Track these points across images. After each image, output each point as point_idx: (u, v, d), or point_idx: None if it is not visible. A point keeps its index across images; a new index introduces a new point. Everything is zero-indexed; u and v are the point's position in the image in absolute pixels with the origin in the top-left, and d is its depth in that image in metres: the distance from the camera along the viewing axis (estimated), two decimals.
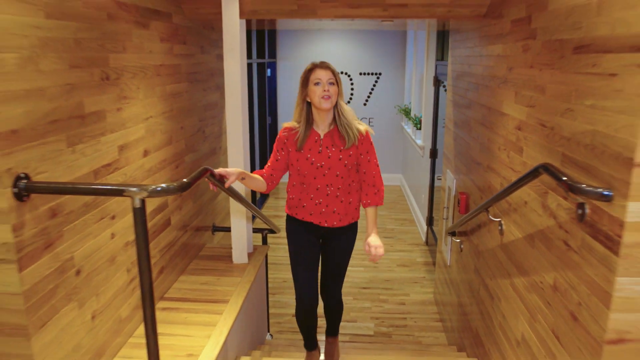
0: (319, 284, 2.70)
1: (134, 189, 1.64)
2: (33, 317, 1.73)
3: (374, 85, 8.51)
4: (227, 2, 3.02)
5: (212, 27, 3.91)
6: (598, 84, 1.54)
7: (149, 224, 2.76)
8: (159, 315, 2.75)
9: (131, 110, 2.50)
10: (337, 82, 2.36)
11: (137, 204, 1.64)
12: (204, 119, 3.79)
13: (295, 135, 2.45)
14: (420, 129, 6.63)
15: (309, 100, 2.39)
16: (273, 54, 8.27)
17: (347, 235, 2.59)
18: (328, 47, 8.33)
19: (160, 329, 2.18)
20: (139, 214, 1.65)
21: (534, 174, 1.87)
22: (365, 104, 8.58)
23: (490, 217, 2.63)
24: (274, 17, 3.14)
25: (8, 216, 1.61)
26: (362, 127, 2.46)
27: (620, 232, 1.39)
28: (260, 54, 7.39)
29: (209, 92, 3.88)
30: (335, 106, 2.40)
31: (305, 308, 2.62)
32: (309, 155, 2.43)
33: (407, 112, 7.93)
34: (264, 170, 2.53)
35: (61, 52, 1.86)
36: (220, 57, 4.13)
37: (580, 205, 1.59)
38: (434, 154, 5.79)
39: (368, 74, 8.47)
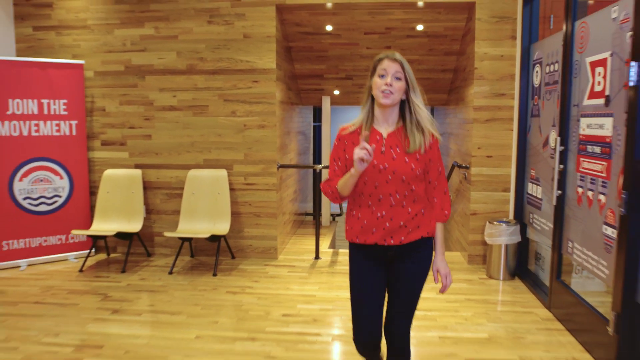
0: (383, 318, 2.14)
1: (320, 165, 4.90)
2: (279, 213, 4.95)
3: None
4: (325, 99, 6.41)
5: (313, 107, 7.32)
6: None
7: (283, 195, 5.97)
8: (296, 240, 5.89)
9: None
10: (405, 78, 1.99)
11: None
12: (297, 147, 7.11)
13: (355, 135, 2.07)
14: None
15: (372, 94, 2.03)
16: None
17: (419, 255, 2.07)
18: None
19: (302, 244, 5.36)
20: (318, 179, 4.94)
21: (454, 165, 5.12)
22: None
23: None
24: (347, 104, 6.49)
25: (276, 186, 4.86)
26: (434, 131, 2.07)
27: (471, 178, 4.61)
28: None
29: (303, 135, 7.22)
30: (405, 104, 2.04)
31: (366, 348, 2.14)
32: None
33: None
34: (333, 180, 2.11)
35: None
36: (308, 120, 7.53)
37: (465, 172, 4.83)
38: None
39: None
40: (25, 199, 4.67)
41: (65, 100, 4.79)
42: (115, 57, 4.89)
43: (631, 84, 2.48)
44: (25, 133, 4.64)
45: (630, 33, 2.52)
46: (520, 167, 4.37)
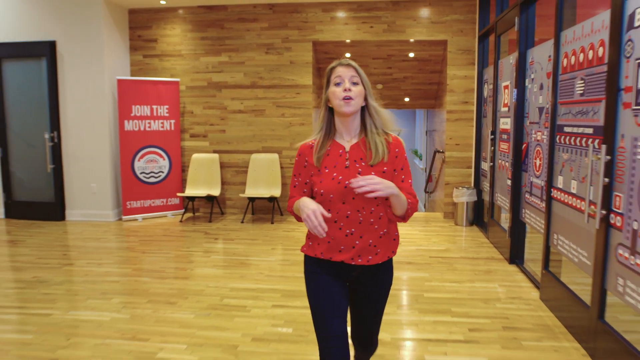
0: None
1: None
2: None
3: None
4: None
5: None
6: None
7: None
8: None
9: None
10: (362, 82, 1.85)
11: None
12: None
13: (314, 150, 1.90)
14: (421, 159, 12.02)
15: (330, 105, 1.88)
16: None
17: (383, 275, 1.94)
18: None
19: None
20: None
21: (436, 151, 7.24)
22: None
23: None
24: None
25: None
26: (393, 136, 1.90)
27: (445, 159, 6.74)
28: None
29: None
30: (364, 110, 1.88)
31: None
32: (334, 174, 1.84)
33: (416, 152, 13.36)
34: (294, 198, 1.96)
35: None
36: None
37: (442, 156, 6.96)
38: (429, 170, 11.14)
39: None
40: (141, 173, 6.89)
41: (167, 106, 7.00)
42: (200, 76, 7.08)
43: (513, 100, 4.62)
44: (142, 128, 6.86)
45: (515, 74, 4.65)
46: (477, 151, 6.49)
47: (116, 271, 4.58)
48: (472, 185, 6.65)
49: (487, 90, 6.08)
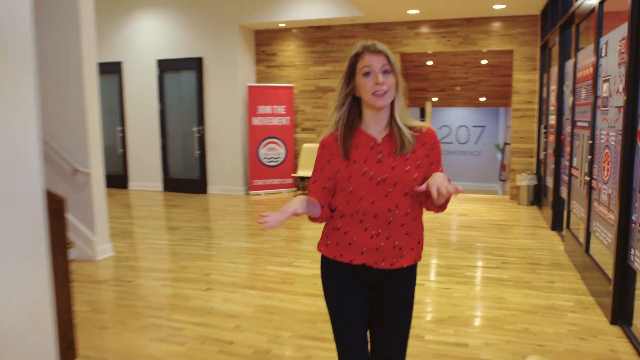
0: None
1: None
2: None
3: (481, 133, 15.13)
4: (427, 103, 10.02)
5: (420, 108, 10.92)
6: None
7: None
8: None
9: None
10: (393, 70, 1.66)
11: None
12: None
13: (339, 142, 1.71)
14: (502, 152, 13.13)
15: (358, 96, 1.69)
16: None
17: (406, 281, 1.77)
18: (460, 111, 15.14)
19: None
20: None
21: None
22: (475, 143, 15.19)
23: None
24: (440, 106, 10.04)
25: None
26: (422, 125, 1.74)
27: (512, 150, 8.05)
28: None
29: None
30: (394, 102, 1.69)
31: None
32: (365, 169, 1.67)
33: (498, 147, 14.43)
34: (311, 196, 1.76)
35: None
36: None
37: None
38: (502, 160, 12.23)
39: (478, 126, 15.12)
40: (264, 158, 8.87)
41: (284, 106, 8.90)
42: (310, 82, 8.92)
43: (555, 101, 5.91)
44: (265, 124, 8.82)
45: (556, 80, 5.93)
46: (538, 143, 7.71)
47: (243, 224, 6.51)
48: (534, 171, 7.88)
49: (545, 91, 7.32)
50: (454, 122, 15.13)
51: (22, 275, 1.86)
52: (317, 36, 8.75)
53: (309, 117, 9.02)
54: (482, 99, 9.42)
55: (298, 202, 1.63)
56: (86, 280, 4.30)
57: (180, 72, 9.01)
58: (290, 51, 8.98)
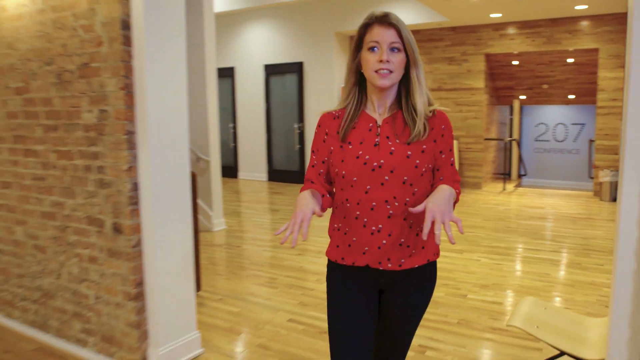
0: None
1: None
2: None
3: (580, 130, 14.84)
4: (515, 101, 10.29)
5: (510, 106, 11.22)
6: None
7: None
8: None
9: None
10: (404, 48, 1.47)
11: None
12: None
13: (338, 122, 1.58)
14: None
15: (362, 71, 1.53)
16: None
17: (421, 284, 1.60)
18: None
19: None
20: None
21: None
22: (574, 141, 14.92)
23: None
24: (528, 104, 10.26)
25: None
26: (438, 110, 1.55)
27: (596, 146, 8.20)
28: None
29: (502, 124, 11.16)
30: (403, 81, 1.52)
31: None
32: (360, 152, 1.51)
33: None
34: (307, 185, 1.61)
35: None
36: None
37: None
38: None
39: (577, 123, 14.84)
40: None
41: None
42: None
43: None
44: None
45: None
46: (623, 140, 7.81)
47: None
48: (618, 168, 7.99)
49: None
50: (551, 119, 14.94)
51: (178, 228, 2.88)
52: None
53: None
54: (571, 96, 9.53)
55: (309, 201, 1.42)
56: (206, 244, 5.48)
57: (284, 75, 10.17)
58: None
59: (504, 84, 9.83)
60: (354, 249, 1.54)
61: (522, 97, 10.21)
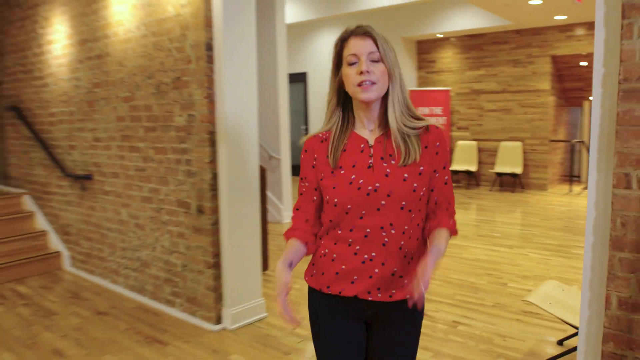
0: None
1: None
2: None
3: None
4: (585, 102, 10.17)
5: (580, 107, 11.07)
6: None
7: None
8: None
9: None
10: (383, 58, 1.37)
11: None
12: None
13: (325, 144, 1.46)
14: None
15: (345, 89, 1.43)
16: None
17: (411, 316, 1.47)
18: None
19: None
20: None
21: None
22: None
23: None
24: None
25: None
26: (427, 123, 1.43)
27: None
28: None
29: (571, 124, 11.02)
30: (388, 94, 1.40)
31: None
32: (353, 176, 1.40)
33: None
34: (294, 223, 1.52)
35: None
36: None
37: None
38: None
39: None
40: None
41: (441, 107, 10.03)
42: (465, 85, 9.88)
43: None
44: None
45: None
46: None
47: None
48: None
49: None
50: None
51: (248, 211, 3.50)
52: (472, 43, 9.68)
53: (463, 117, 10.00)
54: None
55: (282, 275, 1.36)
56: (275, 233, 6.12)
57: (291, 84, 10.70)
58: (448, 58, 10.05)
59: (573, 85, 9.77)
60: (342, 277, 1.42)
61: (591, 98, 10.07)
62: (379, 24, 10.07)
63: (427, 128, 1.43)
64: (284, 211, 6.80)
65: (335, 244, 1.44)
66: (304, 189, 1.52)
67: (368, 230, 1.38)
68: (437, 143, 1.43)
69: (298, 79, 11.33)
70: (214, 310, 3.39)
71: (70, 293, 4.24)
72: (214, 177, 3.31)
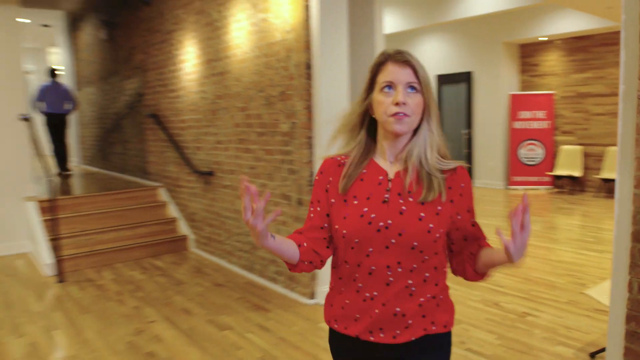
0: None
1: None
2: None
3: None
4: None
5: None
6: None
7: None
8: None
9: None
10: (422, 89, 1.30)
11: None
12: None
13: (341, 168, 1.38)
14: None
15: (373, 115, 1.35)
16: None
17: (428, 356, 1.36)
18: None
19: None
20: None
21: None
22: None
23: None
24: None
25: None
26: (455, 163, 1.35)
27: None
28: None
29: None
30: (420, 128, 1.33)
31: None
32: (365, 209, 1.32)
33: None
34: (295, 235, 1.42)
35: None
36: None
37: None
38: None
39: None
40: (523, 157, 10.07)
41: (544, 111, 9.92)
42: (569, 88, 9.70)
43: None
44: (525, 127, 10.00)
45: None
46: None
47: (499, 209, 7.98)
48: None
49: None
50: None
51: None
52: (578, 45, 9.48)
53: (568, 121, 9.81)
54: None
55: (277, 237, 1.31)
56: None
57: (455, 84, 10.93)
58: (552, 61, 9.92)
59: None
60: (347, 314, 1.36)
61: None
62: (479, 29, 10.22)
63: (454, 169, 1.35)
64: None
65: (340, 278, 1.39)
66: (313, 213, 1.42)
67: (373, 267, 1.30)
68: (462, 184, 1.35)
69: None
70: (309, 287, 4.03)
71: (194, 269, 5.14)
72: (311, 174, 3.95)
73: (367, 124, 1.38)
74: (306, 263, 1.39)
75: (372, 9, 7.05)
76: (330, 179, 1.39)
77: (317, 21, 3.73)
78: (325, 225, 1.40)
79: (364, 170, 1.37)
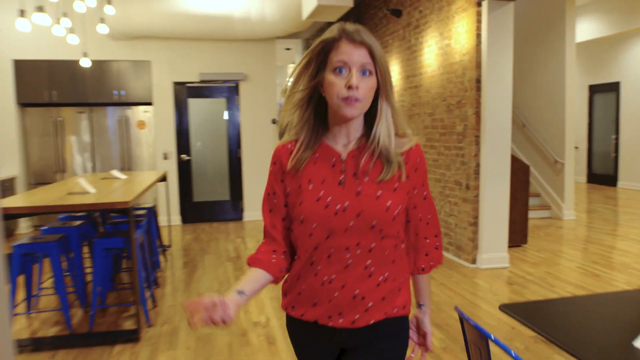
0: None
1: None
2: None
3: None
4: None
5: None
6: None
7: None
8: None
9: None
10: (376, 71, 1.26)
11: None
12: None
13: (293, 153, 1.35)
14: None
15: (323, 94, 1.29)
16: None
17: (386, 344, 1.35)
18: None
19: None
20: None
21: None
22: None
23: None
24: None
25: None
26: (411, 141, 1.35)
27: None
28: None
29: None
30: (380, 113, 1.30)
31: None
32: (321, 193, 1.30)
33: None
34: (260, 246, 1.40)
35: None
36: None
37: None
38: None
39: None
40: None
41: None
42: None
43: None
44: None
45: None
46: None
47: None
48: None
49: None
50: None
51: (499, 191, 5.04)
52: None
53: None
54: None
55: (233, 292, 1.24)
56: (549, 225, 7.23)
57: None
58: None
59: None
60: (304, 299, 1.33)
61: None
62: None
63: (411, 147, 1.34)
64: (565, 209, 7.76)
65: (302, 265, 1.33)
66: (271, 206, 1.38)
67: (332, 250, 1.27)
68: (417, 159, 1.34)
69: (609, 89, 11.48)
70: (471, 254, 5.11)
71: None
72: (477, 165, 5.02)
73: (315, 102, 1.32)
74: (283, 271, 1.38)
75: (564, 20, 7.59)
76: (284, 168, 1.35)
77: (485, 46, 4.81)
78: (285, 216, 1.37)
79: (317, 155, 1.32)
